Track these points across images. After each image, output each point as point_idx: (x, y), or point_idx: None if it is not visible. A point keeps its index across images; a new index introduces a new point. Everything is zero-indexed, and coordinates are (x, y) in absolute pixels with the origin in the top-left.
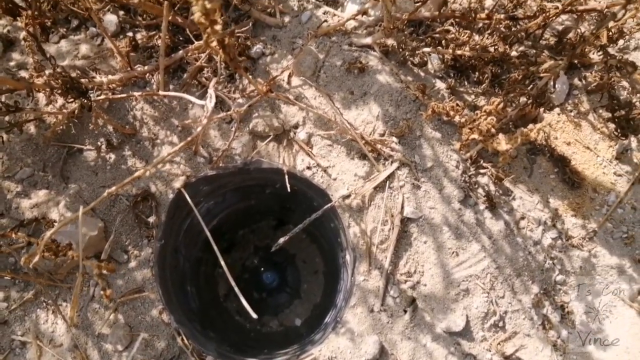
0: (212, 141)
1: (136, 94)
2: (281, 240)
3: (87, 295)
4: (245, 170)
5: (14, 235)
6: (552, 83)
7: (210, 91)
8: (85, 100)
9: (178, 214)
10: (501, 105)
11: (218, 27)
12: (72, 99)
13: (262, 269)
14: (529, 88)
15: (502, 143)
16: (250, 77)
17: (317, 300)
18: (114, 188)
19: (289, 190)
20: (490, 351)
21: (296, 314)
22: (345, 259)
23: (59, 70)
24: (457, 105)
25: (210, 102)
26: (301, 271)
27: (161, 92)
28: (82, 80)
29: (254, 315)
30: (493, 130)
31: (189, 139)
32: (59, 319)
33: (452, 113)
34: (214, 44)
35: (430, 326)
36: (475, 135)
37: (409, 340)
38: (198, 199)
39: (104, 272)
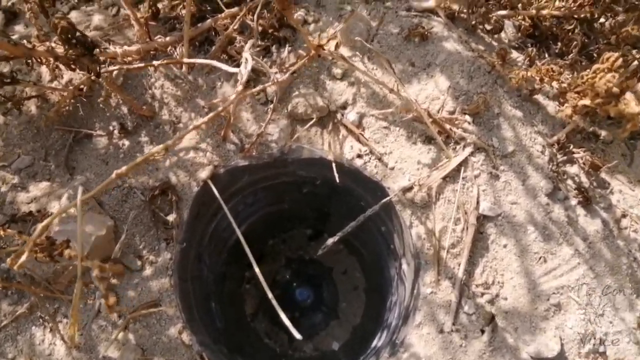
0: (244, 125)
1: (155, 63)
2: (330, 241)
3: (92, 310)
4: (282, 161)
5: (1, 233)
6: None
7: (246, 54)
8: (94, 64)
9: (203, 213)
10: (619, 62)
11: None
12: (76, 65)
13: (295, 284)
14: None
15: (631, 103)
16: (302, 28)
17: (357, 321)
18: (124, 169)
19: (337, 180)
20: None
21: (333, 337)
22: (402, 269)
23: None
24: (552, 69)
25: (245, 68)
26: (339, 287)
27: (185, 60)
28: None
29: (298, 336)
30: (615, 89)
31: (219, 108)
32: (58, 338)
33: (546, 79)
34: None
35: (514, 350)
36: (587, 101)
37: None
38: (225, 198)
39: (108, 274)
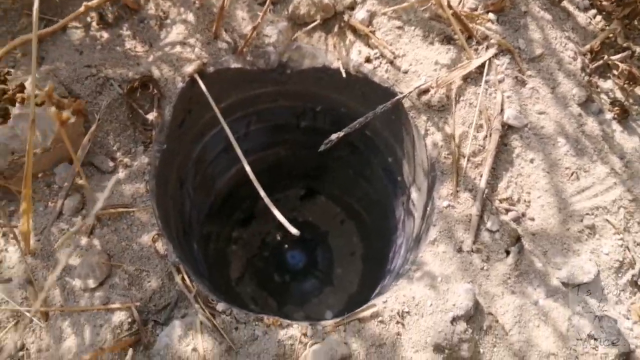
0: (238, 25)
1: None
2: (334, 136)
3: (53, 213)
4: (280, 71)
5: None
6: None
7: None
8: None
9: (188, 123)
10: None
11: None
12: None
13: (287, 246)
14: None
15: None
16: None
17: (353, 289)
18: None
19: (343, 74)
20: (629, 319)
21: (327, 305)
22: (411, 201)
23: None
24: None
25: None
26: (334, 252)
27: None
28: None
29: (294, 231)
30: None
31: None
32: (11, 243)
33: None
34: None
35: (542, 276)
36: None
37: (514, 295)
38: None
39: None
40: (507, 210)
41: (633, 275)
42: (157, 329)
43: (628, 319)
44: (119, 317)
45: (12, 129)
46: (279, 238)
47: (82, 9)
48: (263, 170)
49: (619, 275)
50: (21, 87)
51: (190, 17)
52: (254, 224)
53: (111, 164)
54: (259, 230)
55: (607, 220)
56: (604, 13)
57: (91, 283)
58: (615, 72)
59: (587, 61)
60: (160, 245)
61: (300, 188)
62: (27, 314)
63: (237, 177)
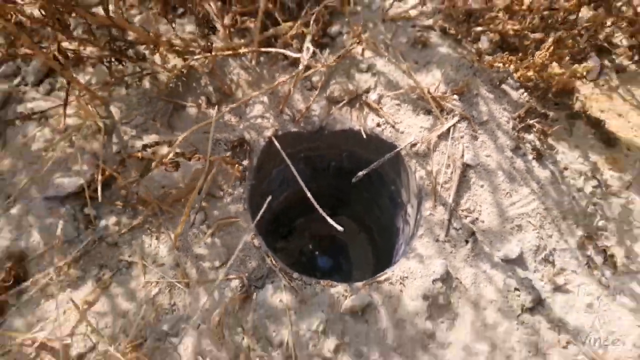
0: (295, 104)
1: (241, 50)
2: (361, 173)
3: (188, 223)
4: (321, 132)
5: (140, 155)
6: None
7: (307, 44)
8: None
9: (265, 166)
10: (551, 49)
11: None
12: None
13: (317, 253)
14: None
15: (556, 68)
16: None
17: None
18: (228, 107)
19: (364, 135)
20: (542, 281)
21: None
22: (407, 214)
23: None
24: (509, 58)
25: (306, 54)
26: (352, 259)
27: (261, 49)
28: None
29: (340, 228)
30: (547, 62)
31: (280, 93)
32: (162, 243)
33: (507, 64)
34: None
35: (489, 256)
36: (531, 72)
37: (471, 267)
38: (278, 161)
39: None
40: (467, 216)
41: (545, 255)
42: (258, 290)
43: (541, 280)
44: (235, 283)
45: (164, 173)
46: (311, 247)
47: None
48: (304, 197)
49: (537, 254)
50: (195, 152)
51: (265, 99)
52: (293, 237)
53: (221, 192)
54: (297, 243)
55: (529, 222)
56: (529, 90)
57: (217, 263)
58: (534, 129)
59: (516, 123)
60: (256, 241)
61: (328, 209)
62: (178, 284)
63: (285, 202)
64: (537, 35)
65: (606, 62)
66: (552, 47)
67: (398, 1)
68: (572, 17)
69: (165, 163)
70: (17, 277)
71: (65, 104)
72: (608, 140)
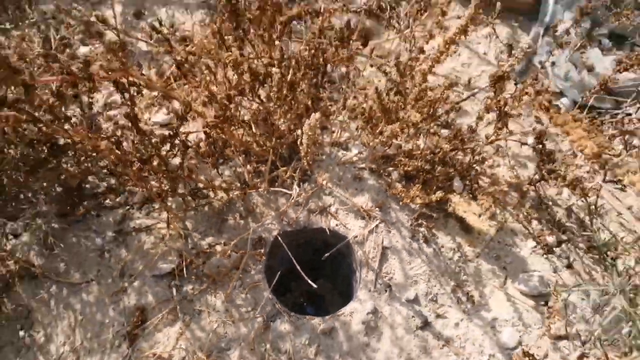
0: (289, 215)
1: (259, 188)
2: (327, 254)
3: (233, 286)
4: (304, 229)
5: (206, 250)
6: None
7: (295, 186)
8: (244, 191)
9: (274, 250)
10: (419, 191)
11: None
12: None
13: (305, 304)
14: (440, 184)
15: (417, 199)
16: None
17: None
18: (267, 222)
19: (328, 231)
20: (429, 311)
21: None
22: (356, 276)
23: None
24: (403, 190)
25: (295, 192)
26: (328, 304)
27: (272, 189)
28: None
29: (314, 285)
30: (418, 199)
31: (281, 210)
32: (218, 299)
33: (402, 194)
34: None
35: (398, 298)
36: (408, 200)
37: (389, 305)
38: (281, 249)
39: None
40: (385, 276)
41: (431, 296)
42: (272, 323)
43: (429, 311)
44: (260, 319)
45: (219, 259)
46: (302, 301)
47: (248, 232)
48: (293, 269)
49: (427, 297)
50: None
51: (272, 213)
52: (291, 293)
53: (250, 268)
54: (292, 299)
55: (421, 278)
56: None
57: (249, 309)
58: (423, 225)
59: (413, 222)
60: (270, 296)
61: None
62: (228, 321)
63: (285, 272)
64: (428, 168)
65: (467, 182)
66: (422, 182)
67: (345, 152)
68: (447, 157)
69: (223, 254)
70: (142, 320)
71: (168, 223)
72: (467, 229)
